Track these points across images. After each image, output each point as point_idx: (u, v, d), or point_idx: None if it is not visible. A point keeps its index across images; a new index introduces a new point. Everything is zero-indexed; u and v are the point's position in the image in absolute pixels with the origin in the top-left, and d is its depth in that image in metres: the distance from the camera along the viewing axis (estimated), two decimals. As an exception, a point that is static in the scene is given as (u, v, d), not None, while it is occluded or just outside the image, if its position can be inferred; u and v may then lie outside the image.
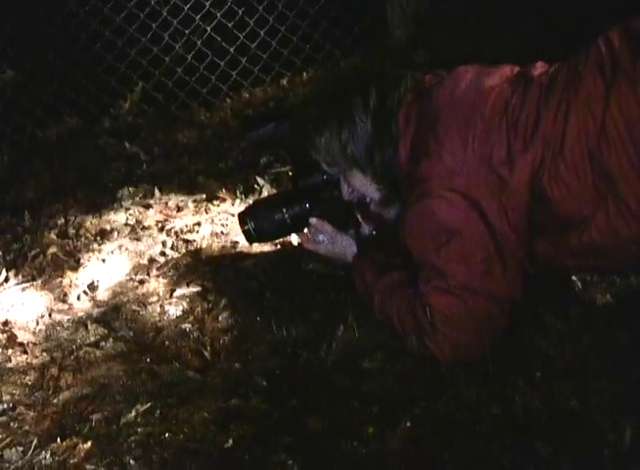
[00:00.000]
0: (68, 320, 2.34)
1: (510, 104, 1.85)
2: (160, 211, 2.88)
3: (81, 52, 3.74)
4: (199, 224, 2.76)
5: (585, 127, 1.75)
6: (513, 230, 1.86)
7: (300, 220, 2.25)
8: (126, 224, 2.81)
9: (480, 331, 1.88)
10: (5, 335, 2.30)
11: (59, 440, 1.87)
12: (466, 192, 1.85)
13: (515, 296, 1.90)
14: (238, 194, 2.91)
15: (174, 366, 2.08)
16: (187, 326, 2.24)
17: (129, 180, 3.13)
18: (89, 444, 1.85)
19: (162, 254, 2.62)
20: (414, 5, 4.01)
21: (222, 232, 2.70)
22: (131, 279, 2.51)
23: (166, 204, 2.93)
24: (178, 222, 2.78)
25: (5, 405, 2.02)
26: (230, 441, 1.80)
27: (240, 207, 2.77)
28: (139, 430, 1.88)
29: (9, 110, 3.60)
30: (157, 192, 3.00)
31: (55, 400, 2.01)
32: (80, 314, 2.36)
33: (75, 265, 2.60)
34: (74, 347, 2.22)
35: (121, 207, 2.94)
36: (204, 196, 2.94)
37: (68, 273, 2.55)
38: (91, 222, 2.84)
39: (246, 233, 2.31)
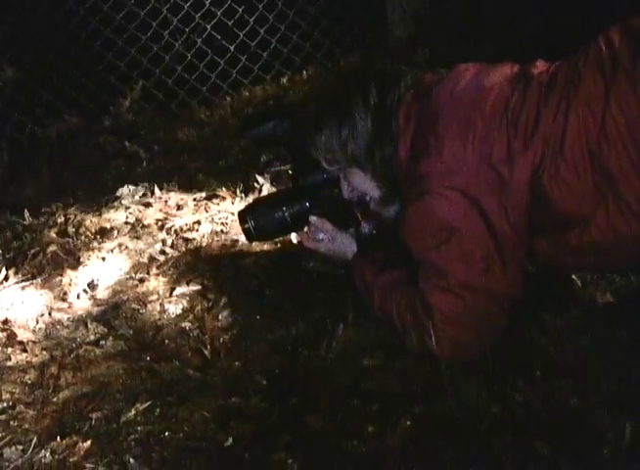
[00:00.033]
0: (68, 319, 2.34)
1: (510, 102, 1.85)
2: (160, 210, 2.87)
3: (81, 50, 3.72)
4: (199, 223, 2.75)
5: (585, 126, 1.75)
6: (513, 229, 1.86)
7: (300, 219, 2.25)
8: (126, 223, 2.81)
9: (479, 329, 1.89)
10: (5, 333, 2.30)
11: (58, 438, 1.87)
12: (466, 190, 1.85)
13: (515, 294, 1.90)
14: (238, 192, 2.91)
15: (174, 365, 2.08)
16: (187, 325, 2.24)
17: (129, 178, 3.12)
18: (89, 442, 1.84)
19: (162, 252, 2.62)
20: (414, 4, 4.01)
21: (222, 230, 2.70)
22: (131, 278, 2.50)
23: (166, 202, 2.92)
24: (178, 221, 2.78)
25: (5, 404, 2.01)
26: (230, 439, 1.80)
27: (240, 205, 2.76)
28: (139, 428, 1.88)
29: (9, 108, 3.58)
30: (157, 190, 3.00)
31: (55, 399, 2.01)
32: (80, 313, 2.36)
33: (75, 264, 2.59)
34: (74, 345, 2.21)
35: (121, 205, 2.94)
36: (203, 194, 2.94)
37: (68, 272, 2.54)
38: (91, 221, 2.83)
39: (246, 232, 2.31)
